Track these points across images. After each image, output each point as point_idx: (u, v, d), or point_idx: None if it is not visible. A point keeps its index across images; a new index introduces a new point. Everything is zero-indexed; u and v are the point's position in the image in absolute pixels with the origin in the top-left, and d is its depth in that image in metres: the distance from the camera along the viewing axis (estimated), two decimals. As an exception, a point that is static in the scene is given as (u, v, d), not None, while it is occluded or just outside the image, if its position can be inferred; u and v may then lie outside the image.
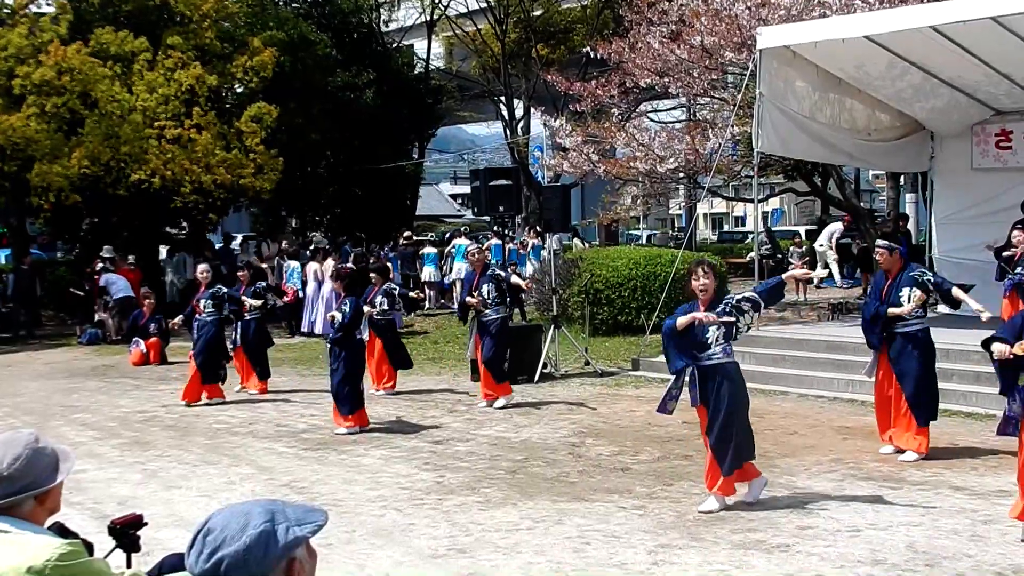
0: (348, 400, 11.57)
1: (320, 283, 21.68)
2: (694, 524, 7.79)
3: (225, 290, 14.05)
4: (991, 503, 8.14)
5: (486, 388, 13.03)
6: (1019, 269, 13.54)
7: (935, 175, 17.70)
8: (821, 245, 26.18)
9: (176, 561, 4.06)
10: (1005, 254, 13.81)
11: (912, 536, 7.37)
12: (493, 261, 24.97)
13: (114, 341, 21.09)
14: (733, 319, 8.11)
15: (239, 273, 15.32)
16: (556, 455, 10.28)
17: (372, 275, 14.75)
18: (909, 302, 9.64)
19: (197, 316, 13.91)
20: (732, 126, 16.37)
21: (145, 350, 18.35)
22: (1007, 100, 16.27)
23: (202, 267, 14.53)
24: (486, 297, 13.07)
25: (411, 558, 7.10)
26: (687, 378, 8.30)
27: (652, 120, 23.44)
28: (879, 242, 10.24)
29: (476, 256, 13.92)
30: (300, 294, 22.31)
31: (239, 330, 14.46)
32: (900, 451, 9.82)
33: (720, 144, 16.56)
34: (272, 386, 14.87)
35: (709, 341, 8.12)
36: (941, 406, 11.57)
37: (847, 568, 6.72)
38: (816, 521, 7.79)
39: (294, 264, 22.98)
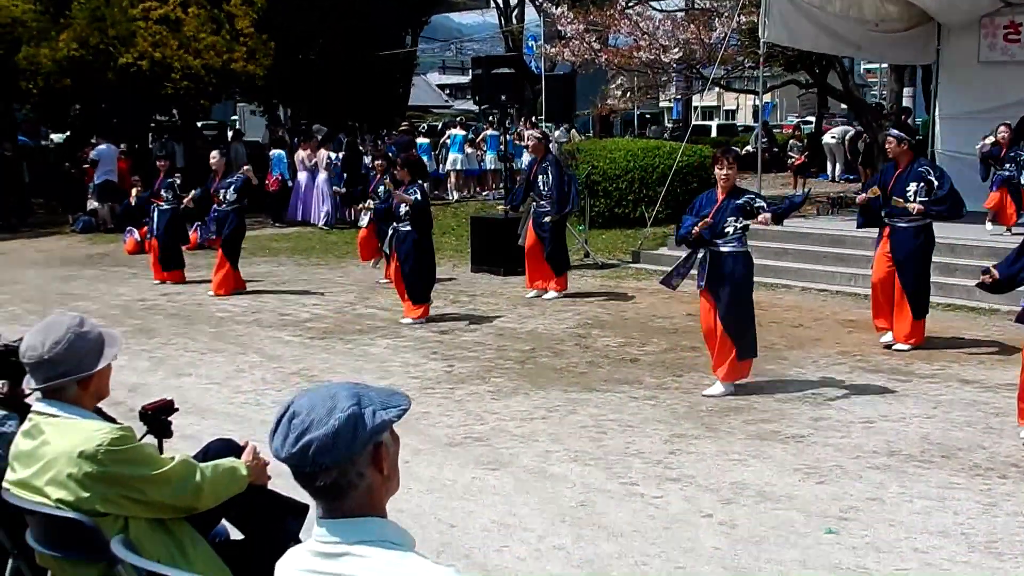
0: (421, 290, 11.43)
1: (312, 172, 21.46)
2: (707, 414, 7.82)
3: (242, 179, 13.62)
4: (1001, 396, 8.18)
5: (541, 279, 12.93)
6: (1007, 165, 13.55)
7: (941, 68, 17.45)
8: (833, 137, 25.93)
9: (221, 446, 4.04)
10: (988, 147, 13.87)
11: (926, 428, 7.41)
12: (489, 154, 24.90)
13: (109, 230, 20.87)
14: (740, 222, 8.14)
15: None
16: (563, 346, 10.28)
17: (376, 163, 14.57)
18: (916, 197, 9.57)
19: (216, 207, 13.59)
20: (739, 16, 16.07)
21: (139, 238, 18.13)
22: (1017, -10, 16.00)
23: (215, 154, 14.09)
24: (541, 188, 12.77)
25: (429, 446, 7.12)
26: (698, 259, 8.29)
27: (655, 8, 23.03)
28: (891, 131, 10.15)
29: (536, 142, 13.24)
30: (289, 183, 22.08)
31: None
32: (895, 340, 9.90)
33: (727, 33, 16.27)
34: (272, 275, 14.80)
35: (726, 229, 8.11)
36: (946, 300, 11.69)
37: (863, 459, 6.76)
38: (829, 412, 7.83)
39: (280, 152, 22.70)
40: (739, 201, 8.18)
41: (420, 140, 25.12)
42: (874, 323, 10.14)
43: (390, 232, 11.69)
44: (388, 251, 12.09)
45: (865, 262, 13.04)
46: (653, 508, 5.94)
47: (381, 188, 14.05)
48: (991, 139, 14.21)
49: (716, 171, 8.28)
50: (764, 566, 5.16)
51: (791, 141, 26.59)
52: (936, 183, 9.59)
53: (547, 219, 12.56)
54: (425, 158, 24.58)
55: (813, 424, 7.55)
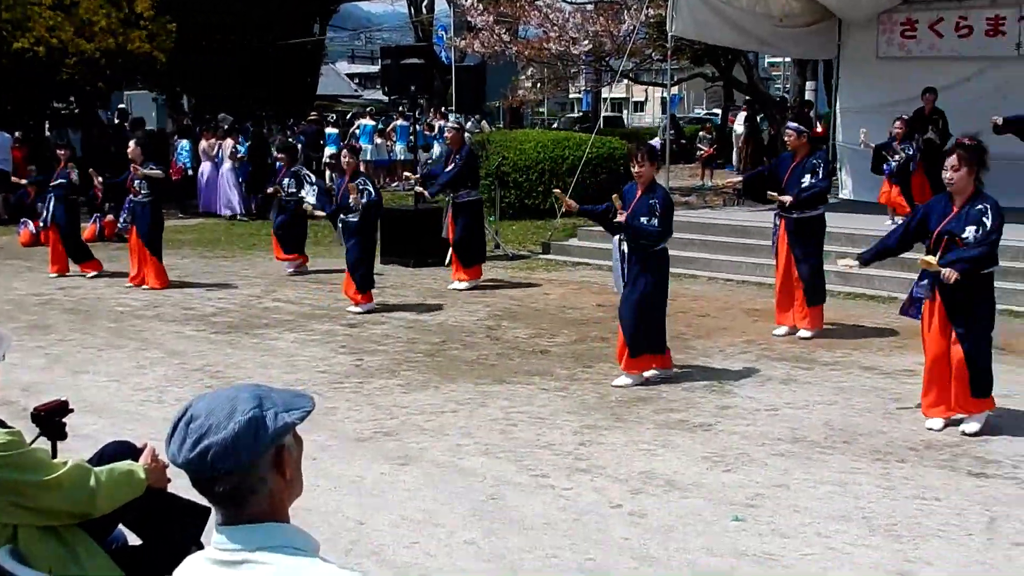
0: (365, 278, 11.49)
1: (216, 163, 21.13)
2: (616, 405, 7.87)
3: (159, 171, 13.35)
4: (900, 382, 8.39)
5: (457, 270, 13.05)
6: (898, 157, 13.90)
7: (842, 63, 17.80)
8: (741, 125, 26.29)
9: (117, 448, 3.94)
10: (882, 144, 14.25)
11: (829, 415, 7.56)
12: (399, 145, 24.77)
13: (2, 222, 20.25)
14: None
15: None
16: (474, 338, 10.27)
17: (280, 156, 14.39)
18: (818, 182, 9.79)
19: (131, 197, 13.26)
20: (647, 8, 16.18)
21: (34, 230, 17.60)
22: (915, -12, 16.39)
23: (132, 144, 13.71)
24: None
25: (337, 442, 7.04)
26: (616, 255, 8.36)
27: (565, 1, 23.08)
28: (790, 124, 10.36)
29: (454, 133, 13.30)
30: (188, 172, 21.72)
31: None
32: (795, 330, 10.12)
33: (635, 26, 16.38)
34: (175, 268, 14.53)
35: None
36: (847, 289, 11.93)
37: (768, 446, 6.87)
38: (735, 401, 7.94)
39: (184, 142, 22.31)
40: (653, 200, 8.23)
41: (329, 130, 24.93)
42: (777, 316, 10.32)
43: (339, 224, 11.70)
44: (343, 242, 12.04)
45: (768, 252, 13.27)
46: (563, 500, 5.96)
47: (286, 181, 13.89)
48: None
49: (632, 167, 8.33)
50: (673, 555, 5.21)
51: (700, 133, 26.91)
52: (821, 175, 9.82)
53: (419, 189, 12.72)
54: (333, 148, 24.43)
55: (720, 412, 7.65)
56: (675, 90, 46.40)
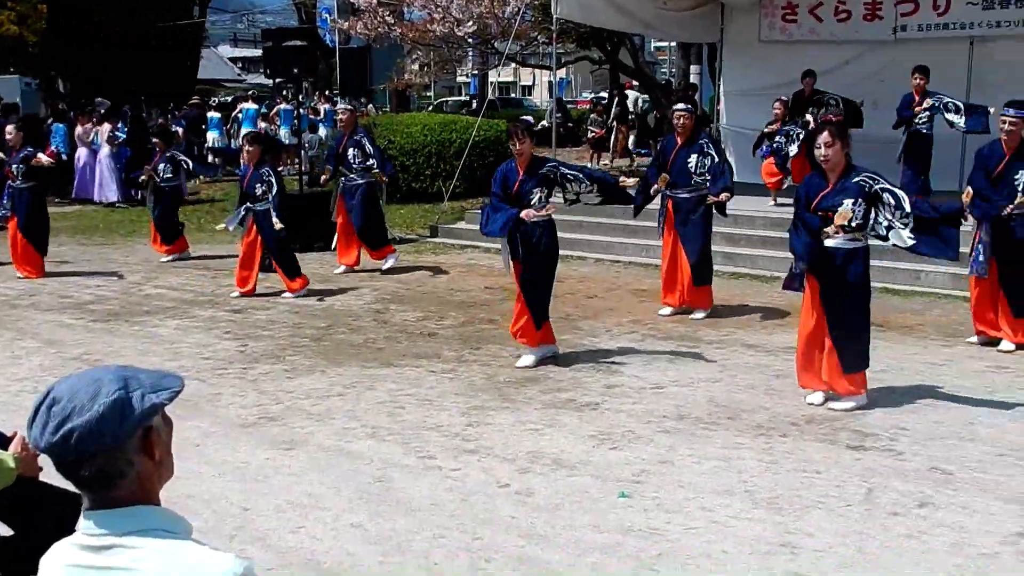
0: (292, 263, 11.41)
1: (93, 148, 20.54)
2: (504, 386, 7.88)
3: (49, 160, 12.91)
4: (781, 359, 8.54)
5: (349, 255, 12.90)
6: (778, 137, 14.20)
7: (725, 47, 18.03)
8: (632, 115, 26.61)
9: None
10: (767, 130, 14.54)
11: (712, 392, 7.68)
12: (283, 129, 24.39)
13: None
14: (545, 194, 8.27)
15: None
16: (361, 322, 10.18)
17: (155, 140, 14.05)
18: (697, 170, 9.89)
19: (11, 183, 12.77)
20: (532, -10, 16.22)
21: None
22: (795, -28, 16.69)
23: (10, 128, 13.20)
24: (352, 161, 12.57)
25: (222, 428, 6.92)
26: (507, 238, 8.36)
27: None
28: (679, 105, 10.43)
29: (348, 115, 13.08)
30: (63, 157, 21.06)
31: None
32: (681, 310, 10.30)
33: (520, 8, 16.38)
34: (51, 256, 14.07)
35: (532, 201, 8.16)
36: (731, 269, 12.12)
37: (654, 423, 6.95)
38: (622, 380, 8.01)
39: (59, 126, 21.64)
40: (542, 171, 8.26)
41: (211, 114, 24.38)
42: (662, 296, 10.48)
43: (243, 211, 11.47)
44: (232, 228, 11.78)
45: (654, 233, 13.42)
46: (451, 481, 5.95)
47: (161, 166, 13.57)
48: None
49: (511, 146, 8.31)
50: (560, 532, 5.23)
51: (591, 116, 27.04)
52: (716, 157, 9.94)
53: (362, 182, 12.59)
54: (216, 133, 23.97)
55: (607, 391, 7.71)
56: (562, 73, 46.67)
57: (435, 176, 17.72)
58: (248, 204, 11.36)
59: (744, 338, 9.39)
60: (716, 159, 9.93)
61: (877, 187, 6.95)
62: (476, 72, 30.49)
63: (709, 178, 9.91)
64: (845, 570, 4.80)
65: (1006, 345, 8.84)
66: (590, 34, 19.10)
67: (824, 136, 7.10)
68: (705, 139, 10.19)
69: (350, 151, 12.55)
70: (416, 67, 25.63)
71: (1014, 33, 14.98)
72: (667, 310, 10.33)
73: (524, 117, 8.49)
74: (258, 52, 48.19)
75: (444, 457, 6.32)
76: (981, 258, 8.74)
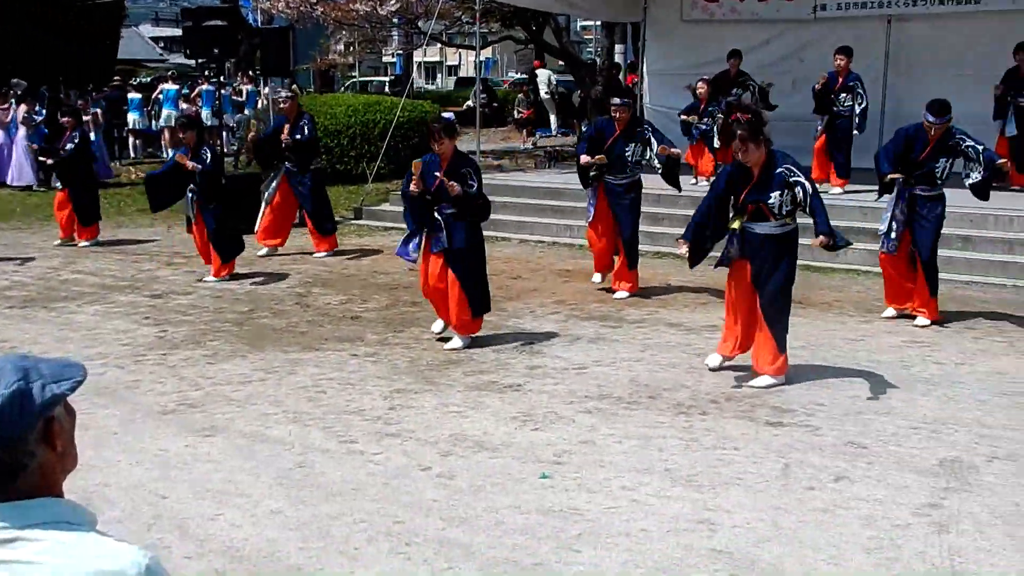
0: (227, 248, 11.27)
1: (9, 130, 20.07)
2: (427, 368, 7.87)
3: None
4: (703, 338, 8.64)
5: (274, 236, 12.84)
6: (705, 119, 14.33)
7: (648, 26, 18.10)
8: (546, 94, 26.66)
9: None
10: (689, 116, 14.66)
11: (634, 371, 7.74)
12: (204, 110, 24.02)
13: None
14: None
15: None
16: (283, 305, 10.10)
17: (65, 120, 13.77)
18: (632, 158, 10.01)
19: None
20: (454, -30, 16.15)
21: None
22: (715, -47, 16.80)
23: None
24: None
25: (140, 416, 6.82)
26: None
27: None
28: (615, 100, 10.52)
29: (290, 102, 12.94)
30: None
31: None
32: (614, 290, 10.39)
33: (442, -12, 16.32)
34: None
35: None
36: (655, 249, 12.22)
37: (576, 403, 6.99)
38: (545, 361, 8.05)
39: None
40: (462, 170, 8.26)
41: (131, 95, 23.96)
42: (595, 269, 10.73)
43: (189, 195, 11.30)
44: (191, 215, 11.59)
45: (580, 213, 13.49)
46: (372, 465, 5.93)
47: (70, 145, 13.29)
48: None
49: (433, 147, 8.30)
50: (481, 514, 5.24)
51: (519, 96, 27.05)
52: (656, 143, 10.05)
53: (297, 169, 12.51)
54: (136, 114, 23.56)
55: (529, 373, 7.74)
56: (488, 53, 46.60)
57: (359, 158, 17.61)
58: (192, 187, 11.19)
59: (667, 317, 9.48)
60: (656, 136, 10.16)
61: (792, 179, 7.09)
62: (401, 52, 30.31)
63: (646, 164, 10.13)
64: (762, 545, 4.87)
65: (921, 320, 9.04)
66: (514, 13, 19.07)
67: (735, 143, 7.24)
68: (645, 125, 10.34)
69: (296, 136, 12.43)
70: (341, 47, 25.38)
71: (930, 12, 15.26)
72: (598, 277, 10.67)
73: (445, 114, 8.42)
74: (180, 32, 47.47)
75: (366, 441, 6.31)
76: (893, 235, 8.93)
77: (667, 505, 5.33)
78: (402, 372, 7.78)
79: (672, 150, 10.17)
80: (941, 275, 10.44)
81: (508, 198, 14.76)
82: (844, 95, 13.47)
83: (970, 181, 8.88)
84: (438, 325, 8.69)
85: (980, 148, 8.76)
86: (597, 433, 6.41)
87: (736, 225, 7.33)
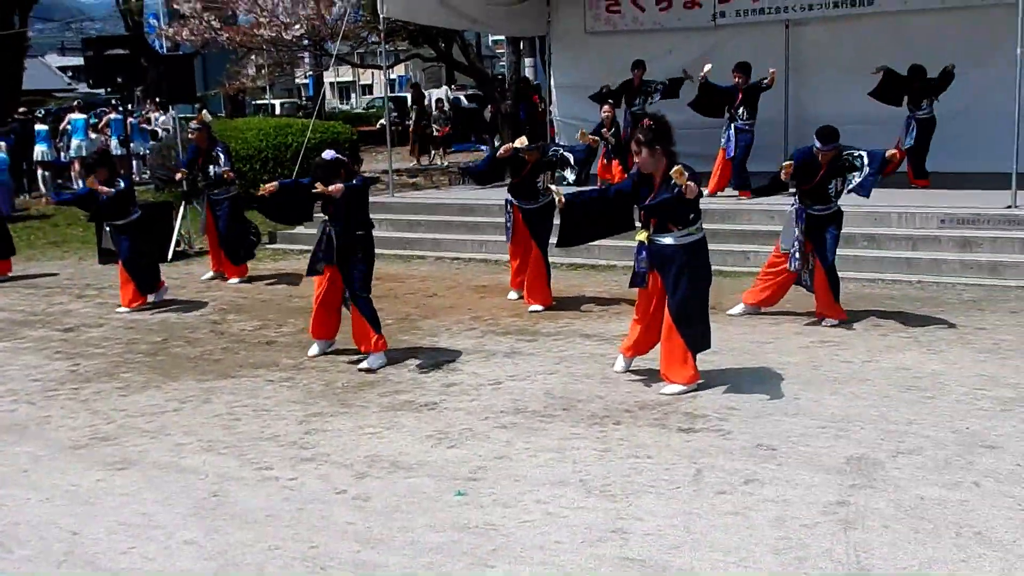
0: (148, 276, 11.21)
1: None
2: (343, 391, 7.86)
3: None
4: (616, 347, 8.70)
5: (223, 268, 12.81)
6: (612, 131, 14.65)
7: (553, 39, 18.31)
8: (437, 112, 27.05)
9: None
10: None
11: (549, 383, 7.80)
12: (114, 138, 23.72)
13: None
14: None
15: None
16: (197, 334, 10.01)
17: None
18: (543, 184, 10.28)
19: None
20: (358, -9, 16.17)
21: None
22: (615, -35, 17.06)
23: None
24: (211, 175, 12.44)
25: (50, 452, 6.72)
26: (324, 242, 8.41)
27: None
28: (522, 144, 10.69)
29: (200, 132, 12.78)
30: None
31: None
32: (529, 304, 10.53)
33: (346, 10, 16.30)
34: None
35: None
36: (569, 260, 12.34)
37: (492, 419, 7.03)
38: (461, 378, 8.08)
39: None
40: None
41: (38, 127, 23.45)
42: (511, 285, 10.89)
43: (107, 231, 11.28)
44: (113, 247, 11.43)
45: (493, 229, 13.58)
46: (287, 491, 5.91)
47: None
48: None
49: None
50: (396, 535, 5.25)
51: (435, 113, 27.15)
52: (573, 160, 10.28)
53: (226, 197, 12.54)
54: (44, 146, 23.10)
55: (445, 390, 7.76)
56: (401, 70, 46.65)
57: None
58: (107, 224, 11.14)
59: (581, 328, 9.57)
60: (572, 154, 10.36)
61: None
62: (311, 74, 30.20)
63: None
64: (673, 551, 4.95)
65: (829, 320, 9.26)
66: (420, 32, 19.14)
67: (632, 147, 7.36)
68: (555, 153, 10.44)
69: (210, 167, 12.35)
70: (252, 71, 25.22)
71: (825, 15, 15.67)
72: (514, 294, 10.79)
73: (327, 152, 8.55)
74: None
75: (281, 467, 6.29)
76: (797, 255, 9.18)
77: (580, 516, 5.39)
78: (317, 396, 7.77)
79: (590, 136, 10.35)
80: (849, 273, 10.82)
81: (422, 216, 14.81)
82: (742, 109, 13.75)
83: (851, 187, 9.11)
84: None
85: (864, 153, 9.02)
86: (512, 448, 6.45)
87: (642, 237, 7.45)
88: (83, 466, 6.46)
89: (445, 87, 25.68)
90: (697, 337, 7.50)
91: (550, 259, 10.63)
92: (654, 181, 7.31)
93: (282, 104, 42.68)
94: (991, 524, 5.06)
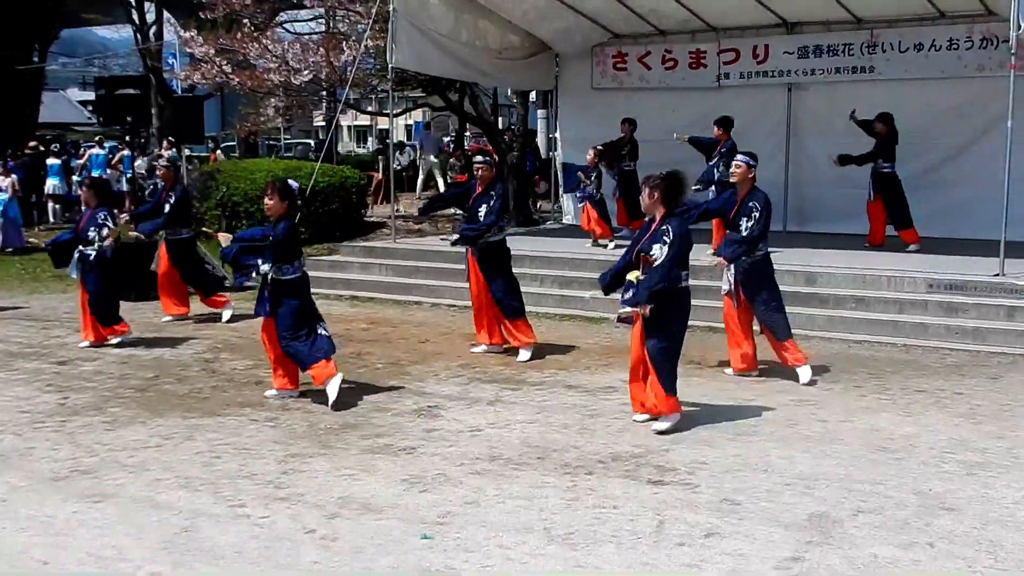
0: (107, 313, 11.31)
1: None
2: (325, 433, 7.99)
3: None
4: (598, 399, 8.88)
5: (176, 303, 13.07)
6: (590, 184, 14.89)
7: (560, 94, 18.64)
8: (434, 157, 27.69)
9: None
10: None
11: (527, 432, 7.93)
12: (127, 175, 24.04)
13: None
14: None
15: None
16: (189, 371, 10.17)
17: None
18: (486, 216, 10.42)
19: None
20: (367, 39, 16.43)
21: None
22: (623, 25, 17.33)
23: None
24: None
25: (31, 482, 6.86)
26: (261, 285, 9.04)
27: (287, 31, 23.07)
28: (477, 158, 11.17)
29: (165, 170, 13.12)
30: None
31: None
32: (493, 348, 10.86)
33: (355, 57, 16.59)
34: None
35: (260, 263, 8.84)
36: (560, 311, 12.49)
37: (466, 465, 7.15)
38: (441, 424, 8.21)
39: None
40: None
41: (50, 161, 23.77)
42: (476, 335, 10.99)
43: (76, 255, 11.33)
44: (76, 275, 11.55)
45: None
46: (258, 528, 6.03)
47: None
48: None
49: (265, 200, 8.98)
50: (359, 575, 5.37)
51: (451, 160, 27.58)
52: (493, 207, 10.46)
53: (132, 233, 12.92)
54: (56, 180, 23.44)
55: (425, 436, 7.89)
56: (418, 116, 47.06)
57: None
58: (80, 248, 11.25)
59: (566, 379, 9.69)
60: (489, 211, 10.50)
61: (665, 237, 7.68)
62: (324, 118, 30.58)
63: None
64: (626, 600, 5.06)
65: (804, 375, 9.37)
66: (430, 81, 19.45)
67: (644, 191, 7.95)
68: (496, 192, 10.62)
69: (166, 207, 12.66)
70: (271, 112, 25.61)
71: (826, 80, 15.89)
72: (480, 348, 10.85)
73: (291, 180, 9.05)
74: (104, 97, 47.20)
75: (254, 505, 6.41)
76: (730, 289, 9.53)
77: (541, 563, 5.50)
78: (299, 436, 7.90)
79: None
80: (836, 333, 11.02)
81: (421, 263, 14.99)
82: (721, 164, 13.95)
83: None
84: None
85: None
86: (483, 494, 6.57)
87: (632, 277, 7.82)
88: (60, 497, 6.59)
89: (424, 134, 26.61)
90: (673, 376, 7.95)
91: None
92: (652, 224, 7.85)
93: (286, 146, 42.99)
94: (940, 585, 5.17)
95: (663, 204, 7.80)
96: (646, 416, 8.08)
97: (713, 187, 13.87)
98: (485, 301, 10.61)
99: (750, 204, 9.20)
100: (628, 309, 7.84)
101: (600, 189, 15.07)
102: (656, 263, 7.66)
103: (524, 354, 10.48)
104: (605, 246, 14.86)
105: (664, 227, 7.74)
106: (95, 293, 11.20)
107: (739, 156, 9.57)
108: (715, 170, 13.97)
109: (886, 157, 14.08)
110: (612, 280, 8.29)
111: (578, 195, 15.33)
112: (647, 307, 7.65)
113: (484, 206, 10.36)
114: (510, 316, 10.54)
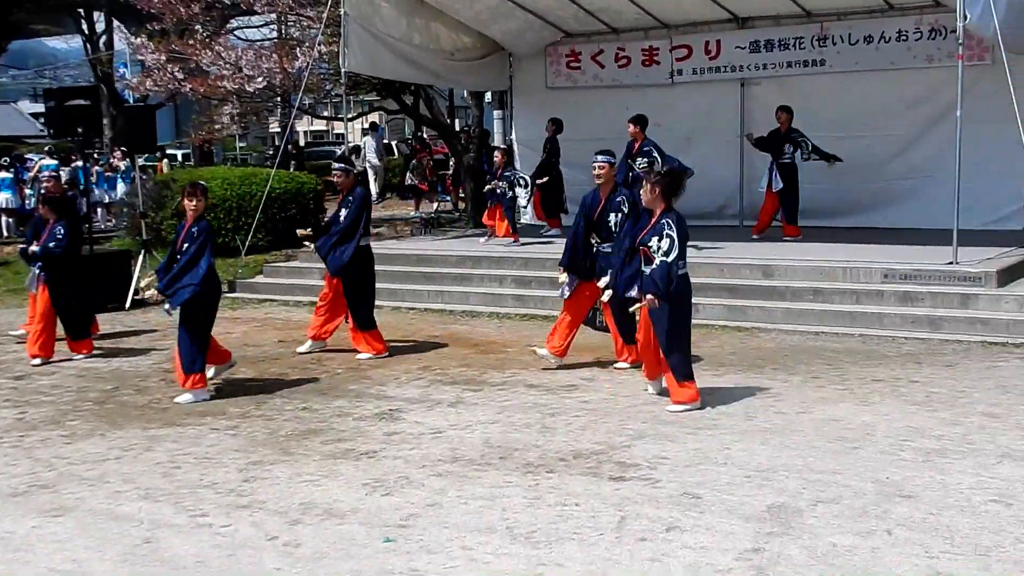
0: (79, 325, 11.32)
1: None
2: (286, 440, 7.97)
3: None
4: (560, 397, 8.92)
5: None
6: (500, 184, 15.46)
7: (515, 94, 18.67)
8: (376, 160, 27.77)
9: None
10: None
11: (488, 433, 7.94)
12: (80, 187, 23.79)
13: None
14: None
15: None
16: (148, 382, 10.11)
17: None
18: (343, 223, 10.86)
19: None
20: (320, 44, 16.39)
21: None
22: (575, 23, 17.38)
23: None
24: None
25: (-12, 499, 6.82)
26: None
27: (239, 38, 22.97)
28: (335, 164, 11.54)
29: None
30: None
31: None
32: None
33: (308, 63, 16.54)
34: None
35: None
36: (519, 311, 12.53)
37: (428, 467, 7.16)
38: (403, 427, 8.21)
39: None
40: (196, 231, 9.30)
41: (2, 175, 23.49)
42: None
43: (36, 270, 11.27)
44: (34, 290, 11.41)
45: (451, 279, 13.79)
46: (220, 537, 6.01)
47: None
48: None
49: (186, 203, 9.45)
50: (322, 581, 5.37)
51: (412, 163, 27.48)
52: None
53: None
54: (9, 193, 23.19)
55: (387, 439, 7.88)
56: (376, 118, 47.05)
57: (237, 230, 17.58)
58: (40, 263, 11.17)
59: (528, 378, 9.71)
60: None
61: (666, 231, 8.16)
62: (279, 124, 30.47)
63: None
64: (589, 596, 5.08)
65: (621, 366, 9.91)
66: (383, 85, 19.42)
67: (646, 185, 8.39)
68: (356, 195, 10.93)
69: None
70: (226, 119, 25.47)
71: (778, 74, 16.02)
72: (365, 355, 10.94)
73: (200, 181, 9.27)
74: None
75: (216, 514, 6.38)
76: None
77: (503, 562, 5.51)
78: (260, 444, 7.87)
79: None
80: (794, 325, 11.14)
81: (381, 266, 14.89)
82: (640, 159, 13.97)
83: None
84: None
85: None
86: (445, 496, 6.57)
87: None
88: (19, 512, 6.53)
89: (367, 137, 26.82)
90: (685, 361, 8.48)
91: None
92: (651, 216, 8.31)
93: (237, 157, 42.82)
94: (898, 571, 5.23)
95: (663, 199, 8.26)
96: (657, 386, 8.75)
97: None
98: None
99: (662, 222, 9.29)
100: (635, 296, 8.40)
101: (518, 187, 15.38)
102: (661, 259, 8.06)
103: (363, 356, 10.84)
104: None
105: (664, 221, 8.18)
106: (62, 305, 11.08)
107: (599, 156, 9.79)
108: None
109: (784, 150, 14.47)
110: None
111: (488, 196, 15.78)
112: (656, 300, 8.09)
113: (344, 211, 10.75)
114: (364, 327, 10.91)
